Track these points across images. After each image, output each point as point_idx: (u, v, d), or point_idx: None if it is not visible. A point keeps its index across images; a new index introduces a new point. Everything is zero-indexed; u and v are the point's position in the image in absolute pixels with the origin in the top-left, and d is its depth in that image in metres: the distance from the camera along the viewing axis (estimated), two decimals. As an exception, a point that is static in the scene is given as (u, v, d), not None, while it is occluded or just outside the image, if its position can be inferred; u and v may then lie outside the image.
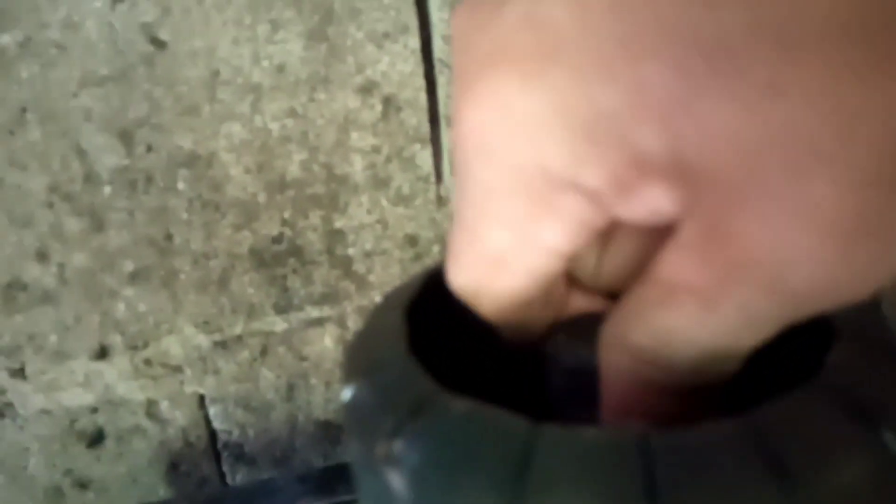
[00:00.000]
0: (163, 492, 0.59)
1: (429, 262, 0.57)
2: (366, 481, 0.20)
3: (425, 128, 0.53)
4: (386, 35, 0.50)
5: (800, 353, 0.19)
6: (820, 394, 0.17)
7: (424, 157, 0.54)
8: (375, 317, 0.25)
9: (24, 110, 0.47)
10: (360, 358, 0.22)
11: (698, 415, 0.17)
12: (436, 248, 0.57)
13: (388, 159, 0.54)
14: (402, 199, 0.55)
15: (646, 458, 0.16)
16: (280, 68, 0.50)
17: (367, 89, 0.52)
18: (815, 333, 0.20)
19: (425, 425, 0.18)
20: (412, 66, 0.52)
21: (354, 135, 0.52)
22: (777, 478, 0.15)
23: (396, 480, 0.18)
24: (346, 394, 0.21)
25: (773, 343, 0.18)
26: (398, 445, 0.18)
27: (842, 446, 0.16)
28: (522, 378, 0.24)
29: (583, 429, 0.17)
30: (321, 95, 0.51)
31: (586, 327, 0.23)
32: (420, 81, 0.52)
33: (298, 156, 0.52)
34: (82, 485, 0.58)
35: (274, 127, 0.51)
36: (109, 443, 0.57)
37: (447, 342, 0.24)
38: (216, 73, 0.49)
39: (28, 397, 0.55)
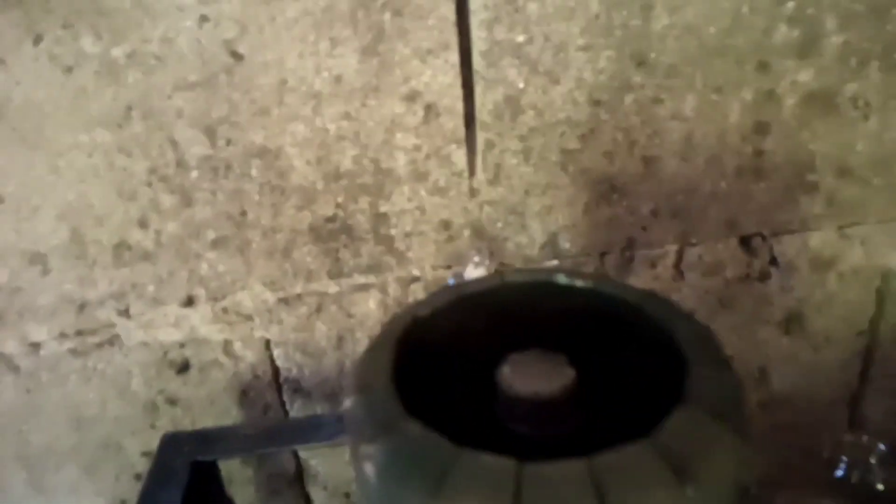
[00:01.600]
0: (235, 413, 0.73)
1: (460, 244, 0.66)
2: (354, 466, 0.30)
3: (461, 131, 0.61)
4: (429, 51, 0.58)
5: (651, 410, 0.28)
6: (650, 449, 0.26)
7: (459, 155, 0.62)
8: (374, 345, 0.34)
9: (129, 108, 0.58)
10: (359, 376, 0.32)
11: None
12: (466, 232, 0.65)
13: (428, 156, 0.62)
14: (438, 190, 0.63)
15: (517, 483, 0.25)
16: (338, 78, 0.58)
17: (411, 97, 0.59)
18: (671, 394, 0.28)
19: (390, 438, 0.28)
20: (451, 78, 0.59)
21: (399, 135, 0.61)
22: None
23: (369, 470, 0.28)
24: (347, 402, 0.31)
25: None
26: (371, 449, 0.28)
27: (653, 489, 0.25)
28: (478, 396, 0.33)
29: (487, 456, 0.26)
30: (372, 102, 0.59)
31: (526, 362, 0.33)
32: (458, 91, 0.60)
33: (351, 151, 0.61)
34: (172, 402, 0.72)
35: (331, 127, 0.60)
36: (194, 371, 0.70)
37: (425, 368, 0.34)
38: (284, 82, 0.58)
39: (131, 332, 0.68)
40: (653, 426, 0.27)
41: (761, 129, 0.63)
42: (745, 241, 0.69)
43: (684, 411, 0.27)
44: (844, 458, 0.57)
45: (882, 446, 0.56)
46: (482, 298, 0.37)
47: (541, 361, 0.33)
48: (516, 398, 0.31)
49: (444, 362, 0.35)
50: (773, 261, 0.70)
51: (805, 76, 0.61)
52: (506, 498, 0.25)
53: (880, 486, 0.55)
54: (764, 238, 0.69)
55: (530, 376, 0.32)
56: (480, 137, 0.62)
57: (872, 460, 0.57)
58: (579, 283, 0.36)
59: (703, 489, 0.25)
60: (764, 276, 0.70)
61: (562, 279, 0.37)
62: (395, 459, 0.27)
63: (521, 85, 0.59)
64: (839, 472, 0.58)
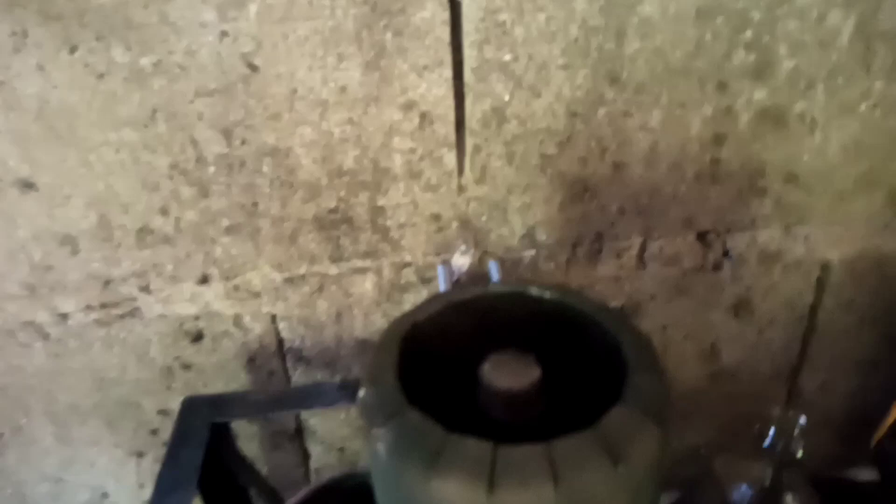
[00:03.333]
0: (243, 378, 0.81)
1: (448, 234, 0.73)
2: (367, 445, 0.38)
3: (452, 136, 0.68)
4: (425, 67, 0.64)
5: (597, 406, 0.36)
6: (593, 437, 0.34)
7: (450, 157, 0.69)
8: (382, 343, 0.43)
9: (154, 111, 0.64)
10: (370, 372, 0.41)
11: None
12: (454, 224, 0.73)
13: (422, 158, 0.69)
14: (430, 187, 0.71)
15: (493, 462, 0.34)
16: (343, 89, 0.65)
17: (408, 106, 0.66)
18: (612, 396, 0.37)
19: (396, 424, 0.36)
20: (444, 90, 0.66)
21: (396, 139, 0.68)
22: (553, 480, 0.33)
23: (380, 448, 0.36)
24: (361, 393, 0.40)
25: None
26: (382, 431, 0.36)
27: (593, 468, 0.34)
28: (466, 387, 0.42)
29: (470, 440, 0.35)
30: (373, 110, 0.66)
31: (502, 361, 0.41)
32: (450, 101, 0.66)
33: (353, 152, 0.68)
34: (186, 367, 0.80)
35: (336, 131, 0.67)
36: (207, 341, 0.78)
37: (423, 364, 0.42)
38: (295, 91, 0.64)
39: (151, 306, 0.75)
40: (600, 415, 0.36)
41: (719, 140, 0.71)
42: (701, 236, 0.77)
43: (621, 409, 0.36)
44: (772, 430, 0.67)
45: (803, 420, 0.66)
46: (469, 305, 0.45)
47: (514, 361, 0.41)
48: (494, 391, 0.40)
49: (439, 358, 0.44)
50: (726, 253, 0.79)
51: (759, 95, 0.69)
52: (484, 473, 0.33)
53: (800, 453, 0.66)
54: (718, 234, 0.77)
55: (505, 374, 0.40)
56: (469, 142, 0.69)
57: (795, 432, 0.66)
58: (548, 294, 0.45)
59: (630, 469, 0.34)
60: (717, 267, 0.79)
61: (534, 291, 0.45)
62: (400, 441, 0.36)
63: (507, 97, 0.67)
64: (767, 442, 0.67)
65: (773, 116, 0.70)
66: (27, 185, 0.67)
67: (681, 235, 0.77)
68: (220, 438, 0.68)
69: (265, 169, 0.68)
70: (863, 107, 0.71)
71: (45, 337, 0.76)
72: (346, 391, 0.71)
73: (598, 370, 0.42)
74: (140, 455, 0.86)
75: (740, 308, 0.83)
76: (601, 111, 0.68)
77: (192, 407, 0.70)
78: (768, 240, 0.78)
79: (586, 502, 0.34)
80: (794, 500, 0.67)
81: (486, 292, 0.46)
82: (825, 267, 0.81)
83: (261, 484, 0.70)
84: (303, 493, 0.60)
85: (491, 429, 0.38)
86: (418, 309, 0.44)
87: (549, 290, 0.45)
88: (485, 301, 0.45)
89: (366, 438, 0.38)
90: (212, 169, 0.68)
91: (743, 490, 0.68)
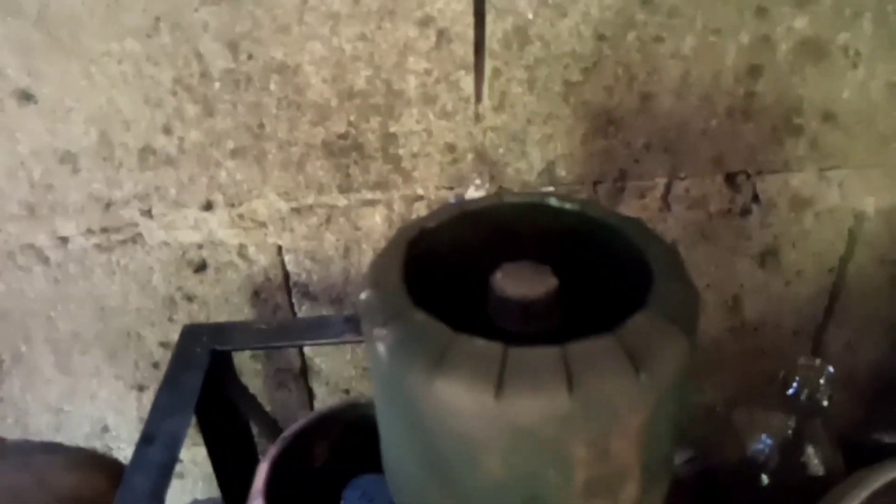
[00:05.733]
0: (247, 311, 0.79)
1: (463, 166, 0.70)
2: (367, 347, 0.36)
3: (470, 57, 0.64)
4: (444, -21, 0.60)
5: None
6: (613, 342, 0.31)
7: (467, 81, 0.66)
8: (388, 247, 0.40)
9: (158, 20, 0.61)
10: (374, 274, 0.38)
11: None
12: (469, 156, 0.70)
13: (437, 81, 0.65)
14: (445, 114, 0.67)
15: (503, 363, 0.31)
16: (356, 0, 0.61)
17: (425, 22, 0.62)
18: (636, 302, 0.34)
19: (399, 323, 0.33)
20: (464, 5, 0.62)
21: (411, 59, 0.64)
22: (568, 384, 0.30)
23: (381, 349, 0.33)
24: (363, 295, 0.37)
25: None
26: (383, 332, 0.33)
27: (613, 374, 0.31)
28: (474, 298, 0.39)
29: (479, 340, 0.32)
30: (387, 25, 0.62)
31: (516, 270, 0.38)
32: (470, 19, 0.62)
33: (365, 72, 0.64)
34: (189, 298, 0.78)
35: (347, 47, 0.63)
36: (210, 271, 0.76)
37: (430, 272, 0.39)
38: (305, 1, 0.61)
39: (153, 231, 0.73)
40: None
41: (754, 72, 0.67)
42: (730, 178, 0.73)
43: (645, 314, 0.33)
44: (797, 378, 0.64)
45: (831, 369, 0.62)
46: (482, 215, 0.42)
47: (529, 270, 0.38)
48: (506, 299, 0.37)
49: (447, 268, 0.40)
50: (755, 198, 0.75)
51: (800, 23, 0.64)
52: (492, 375, 0.30)
53: (825, 403, 0.62)
54: (748, 176, 0.73)
55: (519, 282, 0.37)
56: (488, 65, 0.65)
57: (821, 380, 0.63)
58: (568, 205, 0.41)
59: (654, 378, 0.31)
60: (745, 212, 0.75)
61: (553, 201, 0.41)
62: (403, 341, 0.33)
63: (531, 16, 0.62)
64: (791, 391, 0.64)
65: (814, 47, 0.66)
66: (27, 97, 0.64)
67: (709, 176, 0.73)
68: (221, 366, 0.66)
69: (272, 87, 0.65)
70: (913, 39, 0.66)
71: (45, 261, 0.74)
72: (353, 325, 0.68)
73: (621, 286, 0.39)
74: (141, 389, 0.84)
75: (767, 257, 0.79)
76: (631, 35, 0.64)
77: (193, 334, 0.67)
78: (801, 184, 0.74)
79: (604, 411, 0.31)
80: (816, 452, 0.64)
81: (502, 202, 0.42)
82: (859, 216, 0.77)
83: (260, 414, 0.68)
84: (302, 421, 0.58)
85: (500, 339, 0.34)
86: (429, 216, 0.41)
87: (569, 200, 0.41)
88: (500, 211, 0.42)
89: (366, 341, 0.35)
90: (217, 85, 0.64)
91: (763, 440, 0.65)
